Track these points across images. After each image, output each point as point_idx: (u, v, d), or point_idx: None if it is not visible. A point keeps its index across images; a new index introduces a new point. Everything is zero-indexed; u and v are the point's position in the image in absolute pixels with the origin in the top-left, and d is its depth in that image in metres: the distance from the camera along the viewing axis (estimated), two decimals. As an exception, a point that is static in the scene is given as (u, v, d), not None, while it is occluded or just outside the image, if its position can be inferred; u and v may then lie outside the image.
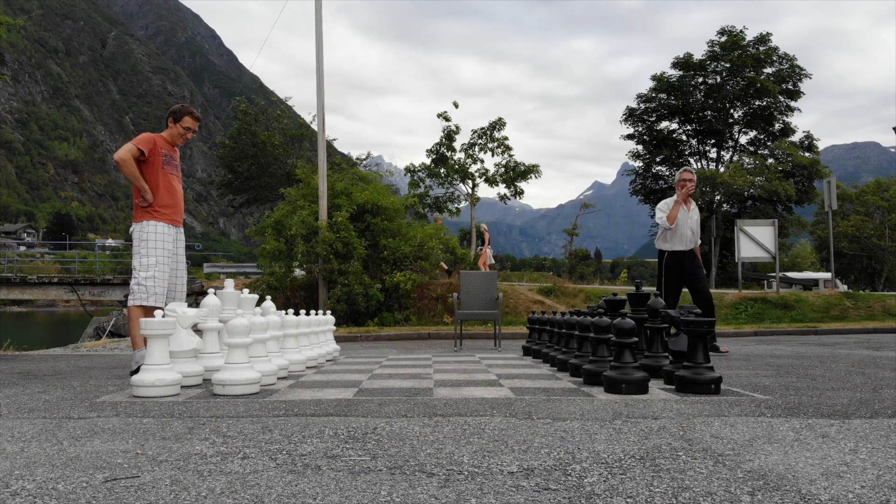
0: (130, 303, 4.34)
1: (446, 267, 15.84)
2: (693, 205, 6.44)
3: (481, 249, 18.17)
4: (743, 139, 36.42)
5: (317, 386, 3.71)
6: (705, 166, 35.60)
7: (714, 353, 5.97)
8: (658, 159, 36.66)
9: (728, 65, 33.35)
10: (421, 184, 24.71)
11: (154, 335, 3.26)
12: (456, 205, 25.30)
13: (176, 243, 4.53)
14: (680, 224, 6.32)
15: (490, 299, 7.67)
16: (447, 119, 23.94)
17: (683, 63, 34.55)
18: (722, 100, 33.94)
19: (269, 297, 4.59)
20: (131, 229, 4.47)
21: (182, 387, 3.46)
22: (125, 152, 4.33)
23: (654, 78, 35.32)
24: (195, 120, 4.69)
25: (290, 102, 29.69)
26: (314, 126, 22.64)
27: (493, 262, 19.43)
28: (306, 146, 26.33)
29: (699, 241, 6.51)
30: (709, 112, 34.73)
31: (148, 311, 4.22)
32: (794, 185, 31.68)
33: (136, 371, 4.12)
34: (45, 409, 2.92)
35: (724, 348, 6.30)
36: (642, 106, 35.92)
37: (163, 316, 3.37)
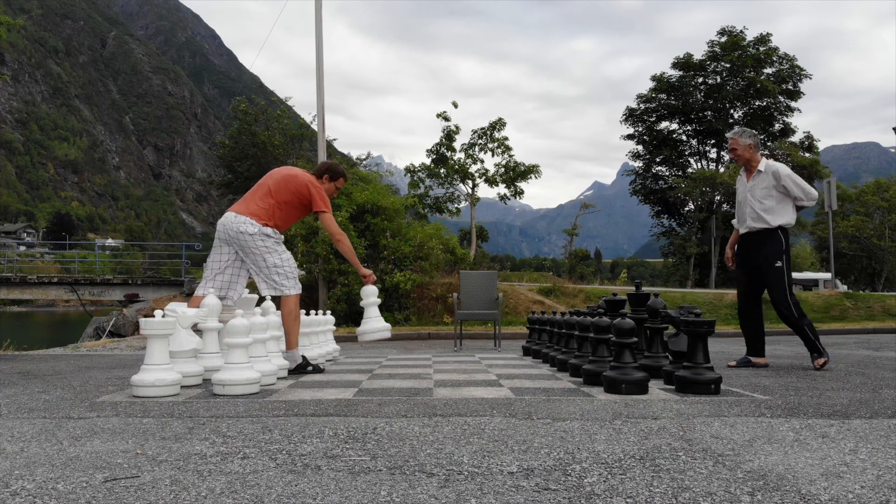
0: (287, 292, 4.34)
1: None
2: (760, 172, 4.84)
3: None
4: (743, 139, 36.39)
5: (317, 386, 3.71)
6: (705, 166, 35.61)
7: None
8: (658, 159, 36.68)
9: (728, 65, 33.39)
10: (421, 184, 24.72)
11: (154, 335, 3.26)
12: (456, 205, 25.32)
13: None
14: (738, 198, 5.00)
15: (490, 299, 7.67)
16: (447, 119, 23.96)
17: (683, 63, 34.58)
18: (722, 100, 33.97)
19: (268, 297, 4.59)
20: (254, 229, 4.29)
21: (182, 387, 3.46)
22: (339, 231, 4.61)
23: (654, 78, 35.35)
24: (346, 181, 5.05)
25: (290, 102, 29.70)
26: (314, 126, 22.64)
27: None
28: (306, 146, 26.33)
29: (775, 221, 4.72)
30: (709, 112, 34.76)
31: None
32: (794, 186, 31.67)
33: (295, 370, 4.30)
34: (45, 409, 2.92)
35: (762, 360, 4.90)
36: (642, 106, 35.94)
37: (163, 316, 3.37)
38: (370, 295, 4.71)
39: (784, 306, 4.67)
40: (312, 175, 4.65)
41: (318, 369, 4.46)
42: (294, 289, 4.39)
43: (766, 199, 4.77)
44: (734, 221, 5.14)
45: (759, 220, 4.78)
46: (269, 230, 4.35)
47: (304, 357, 4.44)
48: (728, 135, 5.06)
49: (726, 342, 8.81)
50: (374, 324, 4.59)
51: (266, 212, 4.39)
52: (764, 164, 4.88)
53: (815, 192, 4.83)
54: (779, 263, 4.70)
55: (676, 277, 36.25)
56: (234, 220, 4.32)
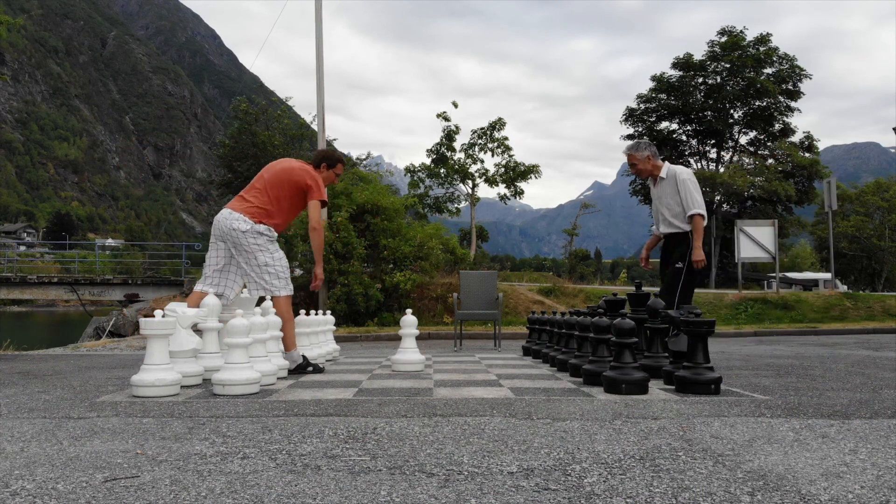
0: (277, 293, 4.31)
1: None
2: (664, 178, 4.89)
3: None
4: (743, 139, 36.45)
5: (317, 386, 3.71)
6: (705, 167, 35.61)
7: None
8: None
9: (728, 65, 33.38)
10: (421, 184, 24.71)
11: (154, 335, 3.26)
12: (456, 205, 25.31)
13: None
14: (654, 205, 5.09)
15: (490, 299, 7.66)
16: (447, 119, 23.95)
17: (683, 63, 34.57)
18: (722, 100, 33.96)
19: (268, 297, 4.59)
20: (246, 226, 4.26)
21: (182, 387, 3.46)
22: (318, 216, 4.48)
23: (654, 78, 35.34)
24: (344, 168, 4.87)
25: (290, 102, 29.69)
26: (314, 126, 22.64)
27: None
28: (306, 146, 26.32)
29: (686, 226, 4.77)
30: (709, 112, 34.75)
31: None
32: (793, 186, 31.69)
33: (296, 370, 4.30)
34: (45, 409, 2.92)
35: None
36: (642, 106, 35.93)
37: (163, 316, 3.37)
38: (410, 325, 4.64)
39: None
40: (310, 165, 4.60)
41: (318, 369, 4.45)
42: (284, 290, 4.35)
43: (674, 204, 4.81)
44: (652, 227, 5.19)
45: (670, 226, 4.84)
46: (262, 227, 4.30)
47: (304, 357, 4.43)
48: (623, 151, 5.05)
49: (726, 342, 8.81)
50: (410, 355, 4.56)
51: (260, 209, 4.33)
52: (665, 169, 4.91)
53: (695, 207, 4.71)
54: (679, 265, 4.73)
55: (676, 277, 36.18)
56: (227, 217, 4.30)
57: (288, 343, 4.36)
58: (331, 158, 4.73)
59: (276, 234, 4.44)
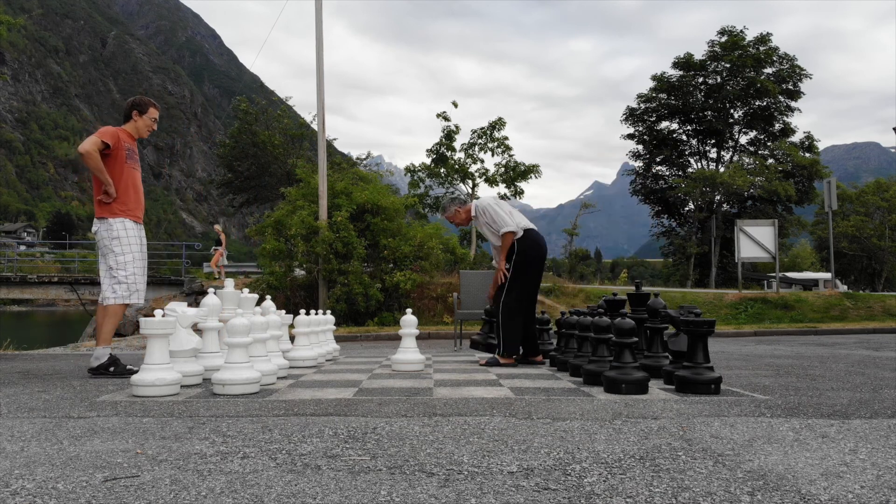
0: (112, 301, 4.27)
1: None
2: (476, 217, 5.20)
3: (215, 250, 18.58)
4: (743, 139, 36.46)
5: (317, 386, 3.71)
6: (705, 166, 35.63)
7: None
8: (658, 159, 36.69)
9: (728, 65, 33.39)
10: (421, 184, 24.69)
11: (154, 335, 3.26)
12: (456, 205, 25.27)
13: (140, 241, 4.47)
14: None
15: (490, 299, 7.66)
16: (447, 119, 23.92)
17: (684, 63, 34.59)
18: (722, 100, 33.97)
19: (269, 297, 4.59)
20: (95, 228, 4.32)
21: (182, 386, 3.46)
22: (90, 144, 4.16)
23: (654, 78, 35.36)
24: (158, 110, 4.63)
25: (290, 102, 29.69)
26: (314, 126, 22.63)
27: (227, 263, 20.00)
28: (306, 146, 26.32)
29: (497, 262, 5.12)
30: (709, 112, 34.76)
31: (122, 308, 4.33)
32: (794, 186, 31.70)
33: (97, 370, 4.21)
34: (45, 409, 2.92)
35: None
36: (642, 106, 35.95)
37: (163, 316, 3.37)
38: (410, 325, 4.59)
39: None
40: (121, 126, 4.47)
41: (121, 372, 4.28)
42: (117, 298, 4.27)
43: (490, 234, 5.07)
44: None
45: (496, 259, 5.12)
46: (111, 221, 4.23)
47: (112, 356, 4.33)
48: (440, 218, 5.27)
49: (726, 342, 8.81)
50: (410, 355, 4.54)
51: (99, 204, 4.25)
52: (472, 208, 5.17)
53: (505, 226, 4.88)
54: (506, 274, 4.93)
55: (676, 277, 36.29)
56: (94, 227, 4.33)
57: (100, 338, 4.33)
58: (140, 104, 4.48)
59: (120, 224, 4.29)
